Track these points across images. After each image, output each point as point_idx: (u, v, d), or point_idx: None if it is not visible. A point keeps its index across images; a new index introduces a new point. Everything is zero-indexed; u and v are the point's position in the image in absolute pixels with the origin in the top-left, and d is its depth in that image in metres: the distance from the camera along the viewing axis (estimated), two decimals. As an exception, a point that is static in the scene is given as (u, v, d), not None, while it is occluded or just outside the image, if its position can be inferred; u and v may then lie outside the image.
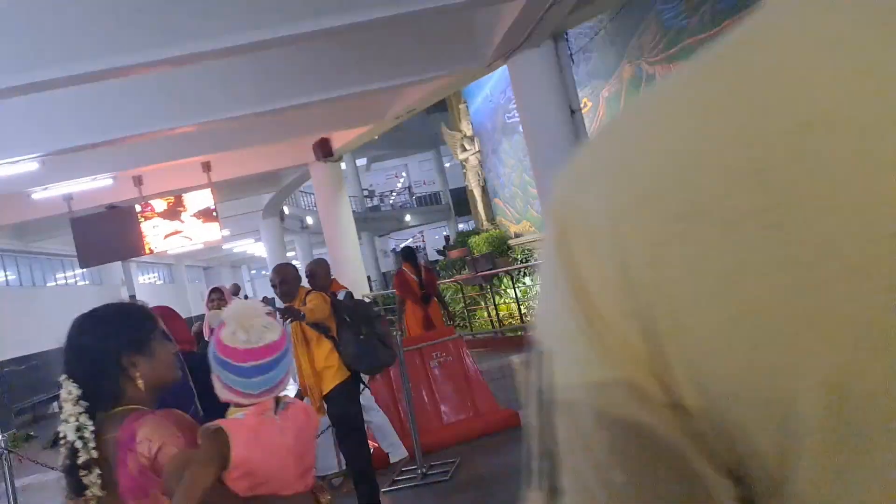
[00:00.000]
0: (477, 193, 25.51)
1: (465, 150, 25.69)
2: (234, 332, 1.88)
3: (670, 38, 13.68)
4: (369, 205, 39.88)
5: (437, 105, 26.83)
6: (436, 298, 10.99)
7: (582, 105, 18.70)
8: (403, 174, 43.94)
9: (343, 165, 20.44)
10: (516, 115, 22.37)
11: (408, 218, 39.30)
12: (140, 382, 1.89)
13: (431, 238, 42.49)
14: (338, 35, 7.58)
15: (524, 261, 18.68)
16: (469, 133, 25.19)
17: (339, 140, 14.50)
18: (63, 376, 1.85)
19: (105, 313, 2.00)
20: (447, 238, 34.40)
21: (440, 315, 10.98)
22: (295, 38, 7.15)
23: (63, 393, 1.85)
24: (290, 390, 4.54)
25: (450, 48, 9.51)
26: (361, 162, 39.22)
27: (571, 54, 10.17)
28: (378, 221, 38.19)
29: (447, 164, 37.16)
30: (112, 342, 1.91)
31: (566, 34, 10.13)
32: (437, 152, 37.71)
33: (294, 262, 9.30)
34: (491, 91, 22.77)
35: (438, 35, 9.38)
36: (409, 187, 42.79)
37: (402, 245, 14.81)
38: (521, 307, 13.55)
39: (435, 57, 9.52)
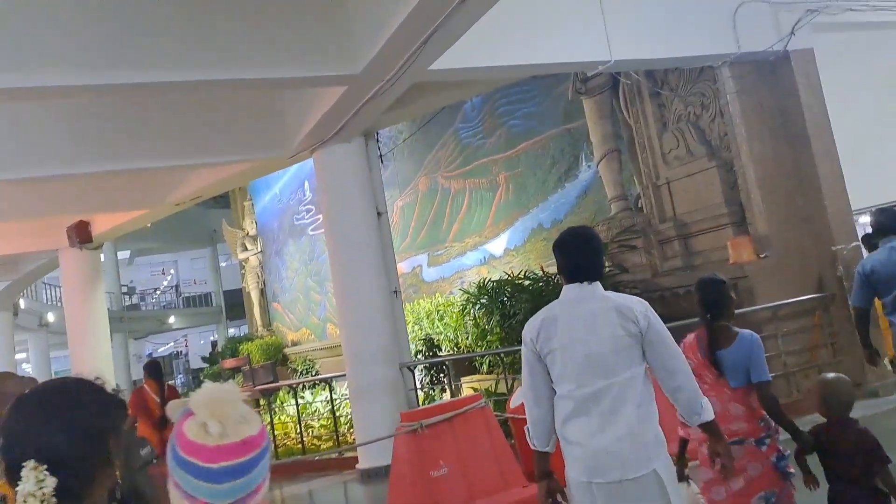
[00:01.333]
0: (254, 296, 23.80)
1: (246, 249, 24.01)
2: (204, 424, 1.50)
3: (467, 156, 13.76)
4: (127, 303, 36.09)
5: (218, 199, 25.18)
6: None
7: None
8: (172, 271, 40.66)
9: (102, 256, 17.95)
10: (306, 216, 21.58)
11: (172, 319, 35.92)
12: (115, 475, 1.58)
13: (196, 343, 39.19)
14: (116, 94, 6.26)
15: (305, 372, 17.37)
16: (252, 232, 23.66)
17: (102, 224, 12.42)
18: (31, 462, 1.45)
19: (82, 384, 1.62)
20: (214, 343, 31.92)
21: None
22: (57, 91, 5.73)
23: (27, 486, 1.43)
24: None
25: (253, 130, 8.42)
26: (124, 255, 35.69)
27: (381, 155, 9.49)
28: (136, 322, 34.44)
29: (223, 264, 34.88)
30: (103, 420, 1.58)
31: (377, 134, 9.50)
32: (213, 249, 35.31)
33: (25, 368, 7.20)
34: (280, 191, 21.67)
35: (241, 113, 8.27)
36: (177, 285, 39.56)
37: (148, 360, 12.94)
38: (301, 426, 12.12)
39: (234, 138, 8.38)
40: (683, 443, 3.61)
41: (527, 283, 10.61)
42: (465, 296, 11.80)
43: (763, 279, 8.17)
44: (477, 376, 11.81)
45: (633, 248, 9.78)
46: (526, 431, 3.15)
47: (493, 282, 10.94)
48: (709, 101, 8.93)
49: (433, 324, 12.99)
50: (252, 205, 23.01)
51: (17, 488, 1.45)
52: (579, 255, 3.06)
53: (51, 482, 1.45)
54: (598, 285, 3.03)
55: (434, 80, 7.38)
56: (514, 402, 6.85)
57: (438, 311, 13.06)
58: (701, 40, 7.94)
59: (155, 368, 9.23)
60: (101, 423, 1.58)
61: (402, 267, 16.65)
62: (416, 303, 14.25)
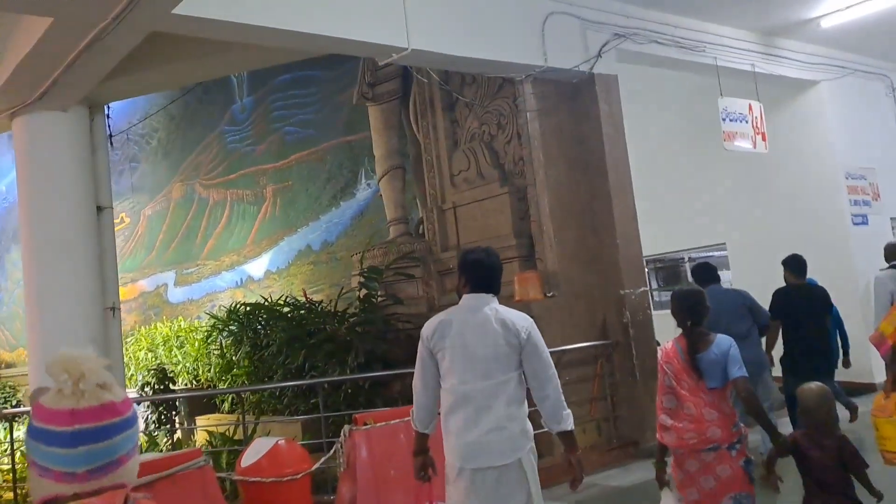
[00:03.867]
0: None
1: (-47, 252, 19.71)
2: (60, 390, 1.37)
3: (232, 163, 11.75)
4: None
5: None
6: None
7: (119, 220, 15.55)
8: None
9: None
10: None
11: None
12: None
13: None
14: None
15: (3, 401, 13.90)
16: (-37, 233, 19.49)
17: None
18: None
19: None
20: None
21: None
22: None
23: None
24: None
25: None
26: None
27: (111, 136, 7.30)
28: None
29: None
30: None
31: (109, 108, 7.30)
32: None
33: None
34: (7, 188, 17.94)
35: None
36: None
37: None
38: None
39: None
40: (663, 448, 3.76)
41: (286, 309, 8.82)
42: (212, 321, 9.73)
43: (549, 320, 7.11)
44: (216, 416, 9.69)
45: (411, 277, 8.41)
46: (411, 414, 3.50)
47: (245, 306, 9.01)
48: (506, 120, 7.89)
49: (170, 351, 10.67)
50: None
51: None
52: (489, 271, 3.45)
53: None
54: (494, 298, 3.43)
55: (180, 31, 5.49)
56: (246, 460, 5.04)
57: (178, 338, 10.78)
58: (507, 46, 6.86)
59: None
60: None
61: (144, 284, 14.03)
62: (153, 326, 11.81)
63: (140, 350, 11.43)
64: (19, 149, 6.63)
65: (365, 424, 5.44)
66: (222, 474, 5.44)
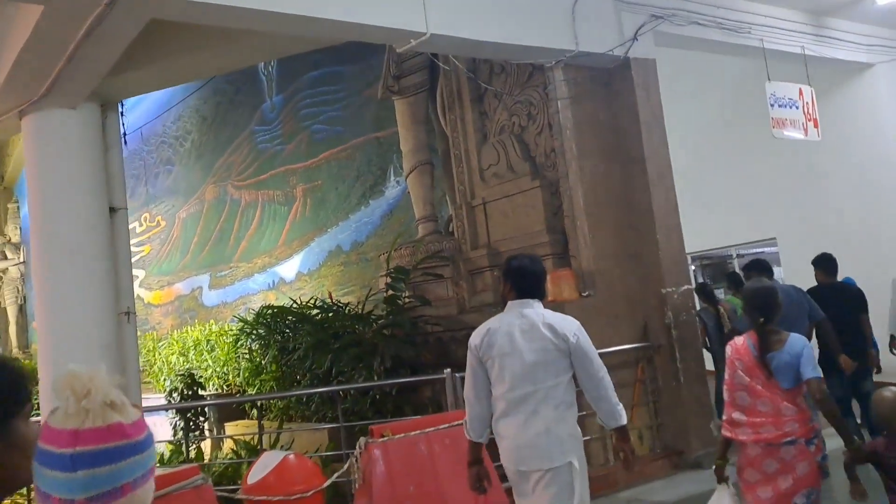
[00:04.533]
0: (11, 313, 19.98)
1: (5, 258, 20.10)
2: (64, 409, 1.24)
3: (263, 163, 11.43)
4: None
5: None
6: None
7: (155, 223, 15.44)
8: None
9: None
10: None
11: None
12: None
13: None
14: None
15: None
16: (15, 239, 19.92)
17: None
18: None
19: None
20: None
21: None
22: None
23: None
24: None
25: None
26: None
27: (125, 134, 6.99)
28: None
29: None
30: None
31: (122, 105, 6.98)
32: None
33: None
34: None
35: None
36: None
37: None
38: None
39: None
40: (726, 443, 3.69)
41: (314, 312, 8.44)
42: (241, 325, 9.41)
43: (584, 321, 6.37)
44: (244, 422, 9.36)
45: (440, 277, 7.92)
46: (464, 424, 3.56)
47: (271, 309, 8.65)
48: (537, 111, 7.35)
49: (201, 356, 10.39)
50: (18, 207, 19.22)
51: None
52: (531, 278, 3.48)
53: None
54: (538, 303, 3.46)
55: (182, 18, 5.11)
56: (252, 476, 4.61)
57: (209, 342, 10.50)
58: (534, 29, 6.32)
59: None
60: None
61: (181, 287, 13.84)
62: (184, 330, 11.57)
63: (172, 354, 11.20)
64: (29, 148, 6.36)
65: (382, 436, 4.98)
66: (229, 490, 5.03)
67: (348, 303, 8.21)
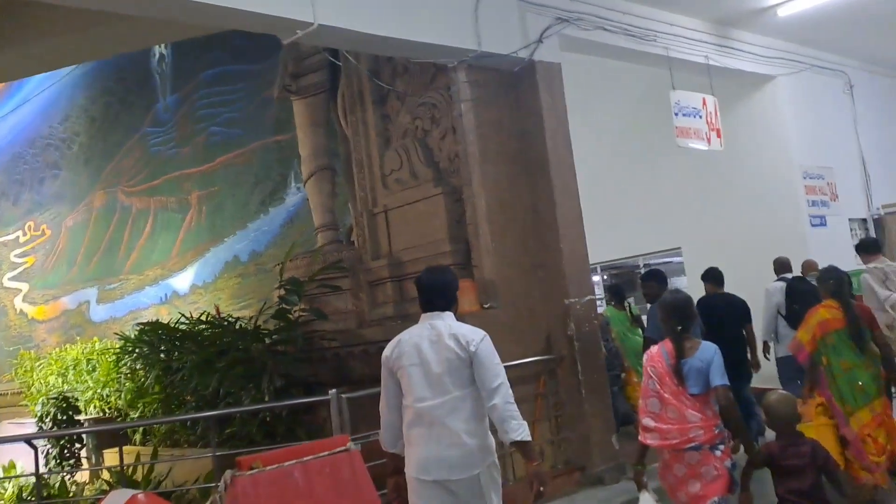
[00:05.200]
0: None
1: None
2: None
3: (155, 168, 10.67)
4: None
5: None
6: None
7: (39, 232, 14.31)
8: None
9: None
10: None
11: None
12: None
13: None
14: None
15: None
16: None
17: None
18: None
19: None
20: None
21: None
22: None
23: None
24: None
25: None
26: None
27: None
28: None
29: None
30: None
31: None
32: None
33: None
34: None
35: None
36: None
37: None
38: None
39: None
40: (643, 450, 3.78)
41: (202, 327, 7.81)
42: (123, 342, 8.67)
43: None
44: (127, 448, 8.59)
45: (338, 289, 7.45)
46: (380, 435, 3.61)
47: (149, 325, 7.97)
48: (441, 114, 7.01)
49: (80, 376, 9.54)
50: None
51: None
52: (437, 290, 3.51)
53: None
54: (448, 315, 3.47)
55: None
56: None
57: (90, 361, 9.65)
58: (434, 26, 5.99)
59: None
60: None
61: (67, 302, 12.83)
62: (63, 348, 10.65)
63: (51, 374, 10.27)
64: None
65: (252, 468, 4.46)
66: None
67: (238, 318, 7.63)
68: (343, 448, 4.88)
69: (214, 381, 7.03)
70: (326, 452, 4.78)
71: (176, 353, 7.89)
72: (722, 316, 6.38)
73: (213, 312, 8.37)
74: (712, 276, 6.95)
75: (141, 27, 5.81)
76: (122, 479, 6.23)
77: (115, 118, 11.51)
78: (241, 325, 7.56)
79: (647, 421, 3.73)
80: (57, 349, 11.34)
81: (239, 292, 9.44)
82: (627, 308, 8.01)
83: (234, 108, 9.44)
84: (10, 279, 14.11)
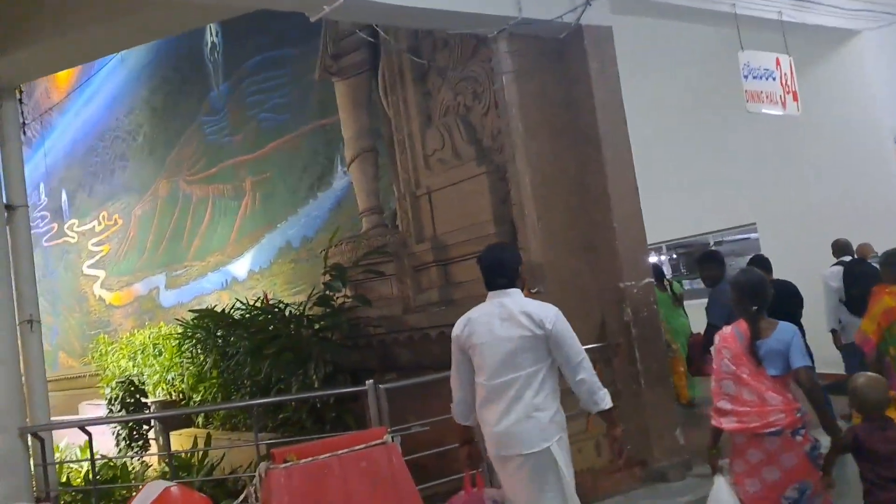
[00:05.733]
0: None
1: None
2: None
3: (212, 156, 10.70)
4: None
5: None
6: None
7: (112, 222, 14.72)
8: None
9: None
10: (41, 224, 17.33)
11: None
12: None
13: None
14: None
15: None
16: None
17: None
18: None
19: None
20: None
21: None
22: None
23: None
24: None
25: None
26: None
27: (24, 124, 6.27)
28: None
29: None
30: None
31: (21, 92, 6.25)
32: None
33: None
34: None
35: None
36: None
37: None
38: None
39: None
40: (717, 433, 3.66)
41: (251, 314, 7.74)
42: (183, 328, 8.74)
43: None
44: (189, 430, 8.68)
45: (382, 275, 7.20)
46: (452, 409, 3.69)
47: (199, 312, 7.97)
48: (482, 88, 6.61)
49: (147, 360, 9.70)
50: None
51: None
52: (489, 269, 3.54)
53: None
54: (515, 291, 3.52)
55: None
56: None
57: (156, 345, 9.80)
58: (470, -7, 5.56)
59: None
60: None
61: (139, 288, 13.14)
62: (132, 333, 10.88)
63: (122, 358, 10.51)
64: None
65: (285, 461, 4.27)
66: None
67: (287, 304, 7.49)
68: (380, 441, 4.67)
69: (266, 367, 6.96)
70: (362, 445, 4.56)
71: (232, 339, 7.87)
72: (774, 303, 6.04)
73: (271, 298, 8.31)
74: (759, 263, 6.47)
75: (167, 13, 5.64)
76: (171, 465, 6.18)
77: (173, 108, 11.62)
78: (290, 311, 7.44)
79: (723, 403, 3.60)
80: (128, 333, 11.64)
81: (293, 278, 9.35)
82: (668, 287, 7.52)
83: (281, 93, 9.29)
84: (88, 267, 14.60)
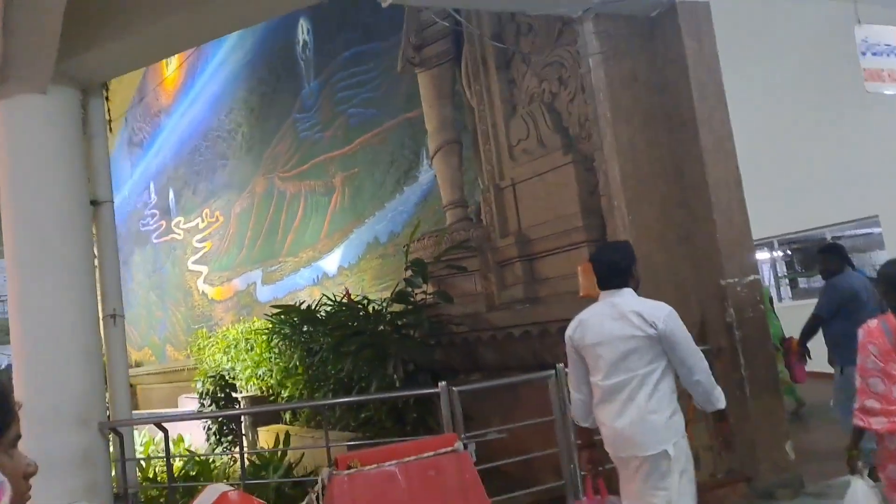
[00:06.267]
0: (99, 309, 19.87)
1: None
2: None
3: (304, 153, 10.73)
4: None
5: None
6: None
7: (214, 219, 15.14)
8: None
9: None
10: (151, 222, 18.12)
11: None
12: None
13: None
14: None
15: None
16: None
17: None
18: None
19: None
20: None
21: None
22: None
23: None
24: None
25: None
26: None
27: (110, 122, 6.35)
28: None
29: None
30: None
31: (106, 89, 6.34)
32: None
33: None
34: (129, 192, 18.21)
35: None
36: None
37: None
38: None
39: None
40: (859, 433, 3.42)
41: (331, 310, 7.63)
42: (271, 323, 8.76)
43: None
44: (276, 426, 8.68)
45: (464, 270, 6.90)
46: (570, 410, 3.72)
47: (281, 308, 7.94)
48: (568, 73, 6.18)
49: (239, 355, 9.82)
50: (104, 207, 19.32)
51: None
52: (604, 269, 3.46)
53: None
54: (628, 291, 3.42)
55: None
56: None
57: (248, 340, 9.91)
58: (550, -30, 5.16)
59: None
60: None
61: (238, 283, 13.41)
62: (227, 327, 11.07)
63: (217, 352, 10.71)
64: (5, 130, 5.76)
65: (349, 468, 4.05)
66: None
67: (370, 301, 7.32)
68: (450, 448, 4.39)
69: (348, 364, 6.82)
70: (431, 453, 4.30)
71: (313, 335, 7.80)
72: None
73: (353, 294, 8.19)
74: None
75: (243, 3, 5.54)
76: (242, 464, 6.11)
77: (269, 107, 11.75)
78: (372, 307, 7.27)
79: (872, 403, 3.34)
80: (224, 328, 11.88)
81: (380, 273, 9.20)
82: None
83: (368, 88, 9.16)
84: (192, 263, 15.06)
